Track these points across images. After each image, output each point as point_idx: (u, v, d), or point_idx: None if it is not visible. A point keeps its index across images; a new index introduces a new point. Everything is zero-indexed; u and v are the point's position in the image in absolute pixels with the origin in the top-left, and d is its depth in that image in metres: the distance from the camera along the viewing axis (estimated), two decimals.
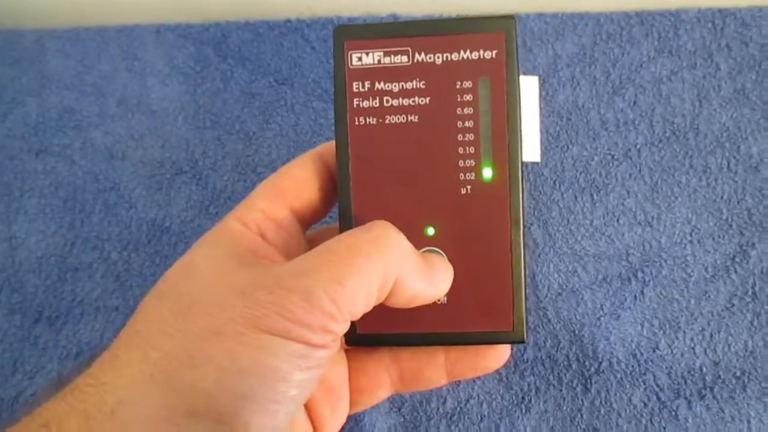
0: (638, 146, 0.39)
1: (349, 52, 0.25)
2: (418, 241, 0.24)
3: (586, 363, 0.35)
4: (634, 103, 0.39)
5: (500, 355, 0.26)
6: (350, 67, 0.25)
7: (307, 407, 0.26)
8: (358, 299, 0.20)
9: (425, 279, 0.23)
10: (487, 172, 0.24)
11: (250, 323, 0.19)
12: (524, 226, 0.24)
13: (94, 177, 0.41)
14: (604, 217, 0.37)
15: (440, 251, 0.25)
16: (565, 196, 0.38)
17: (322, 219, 0.27)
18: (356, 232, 0.22)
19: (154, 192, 0.40)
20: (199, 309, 0.20)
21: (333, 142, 0.26)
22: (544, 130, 0.39)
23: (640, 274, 0.36)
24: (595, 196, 0.38)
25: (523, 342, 0.25)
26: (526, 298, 0.25)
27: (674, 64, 0.40)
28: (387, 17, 0.43)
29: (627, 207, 0.37)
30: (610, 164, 0.38)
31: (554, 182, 0.38)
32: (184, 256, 0.23)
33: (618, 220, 0.37)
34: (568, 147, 0.39)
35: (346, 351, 0.27)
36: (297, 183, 0.25)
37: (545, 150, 0.39)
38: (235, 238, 0.23)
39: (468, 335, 0.25)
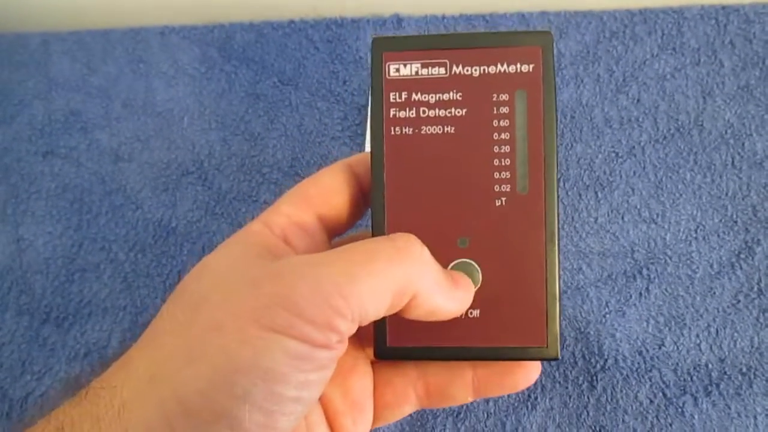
0: (642, 143, 0.39)
1: (387, 63, 0.25)
2: (452, 251, 0.24)
3: (592, 360, 0.35)
4: (638, 100, 0.40)
5: (529, 374, 0.25)
6: (388, 77, 0.25)
7: (329, 418, 0.25)
8: (368, 301, 0.20)
9: (447, 295, 0.22)
10: (522, 185, 0.24)
11: (252, 318, 0.19)
12: (559, 240, 0.24)
13: (100, 179, 0.41)
14: (608, 215, 0.37)
15: (473, 263, 0.24)
16: (569, 193, 0.38)
17: (349, 229, 0.27)
18: (379, 239, 0.21)
19: (160, 193, 0.40)
20: (207, 305, 0.20)
21: (363, 154, 0.26)
22: None
23: (645, 271, 0.36)
24: (599, 194, 0.38)
25: (556, 359, 0.24)
26: (560, 314, 0.24)
27: (678, 61, 0.40)
28: (391, 18, 0.43)
29: (631, 204, 0.38)
30: (615, 162, 0.38)
31: (558, 180, 0.38)
32: (202, 260, 0.23)
33: (623, 218, 0.37)
34: (572, 145, 0.39)
35: (372, 364, 0.27)
36: (326, 190, 0.25)
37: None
38: (254, 237, 0.23)
39: (500, 350, 0.24)
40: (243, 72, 0.43)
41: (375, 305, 0.20)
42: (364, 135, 0.41)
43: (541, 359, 0.25)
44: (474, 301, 0.24)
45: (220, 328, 0.19)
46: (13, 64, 0.44)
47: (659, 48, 0.40)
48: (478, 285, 0.24)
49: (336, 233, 0.26)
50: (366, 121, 0.40)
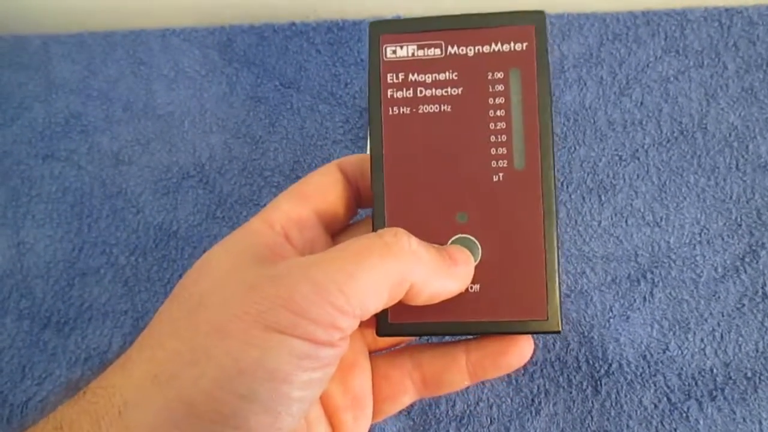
0: (646, 146, 0.38)
1: (384, 46, 0.25)
2: (451, 227, 0.24)
3: (596, 365, 0.35)
4: (641, 103, 0.39)
5: (522, 353, 0.25)
6: (385, 59, 0.25)
7: (329, 414, 0.25)
8: (368, 295, 0.20)
9: (445, 275, 0.22)
10: (519, 160, 0.24)
11: (255, 320, 0.19)
12: (557, 214, 0.24)
13: (101, 182, 0.41)
14: (612, 218, 0.37)
15: (473, 238, 0.24)
16: (572, 197, 0.38)
17: (344, 226, 0.27)
18: (368, 236, 0.22)
19: (160, 196, 0.40)
20: (207, 307, 0.20)
21: (353, 156, 0.26)
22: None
23: (649, 275, 0.36)
24: (602, 197, 0.38)
25: (558, 332, 0.24)
26: (560, 287, 0.24)
27: (681, 63, 0.40)
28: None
29: (635, 208, 0.37)
30: (618, 165, 0.38)
31: (562, 183, 0.38)
32: (201, 257, 0.23)
33: (626, 221, 0.37)
34: (575, 148, 0.39)
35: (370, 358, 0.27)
36: (321, 187, 0.25)
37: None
38: (254, 235, 0.23)
39: (501, 324, 0.24)
40: (244, 75, 0.42)
41: (374, 300, 0.21)
42: (366, 138, 0.40)
43: (543, 332, 0.25)
44: (474, 276, 0.24)
45: (223, 330, 0.20)
46: (13, 67, 0.44)
47: (662, 50, 0.40)
48: (478, 260, 0.24)
49: (333, 229, 0.26)
50: (368, 125, 0.40)
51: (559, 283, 0.24)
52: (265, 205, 0.39)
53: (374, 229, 0.25)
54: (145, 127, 0.42)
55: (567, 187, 0.38)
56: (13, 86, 0.43)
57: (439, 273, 0.22)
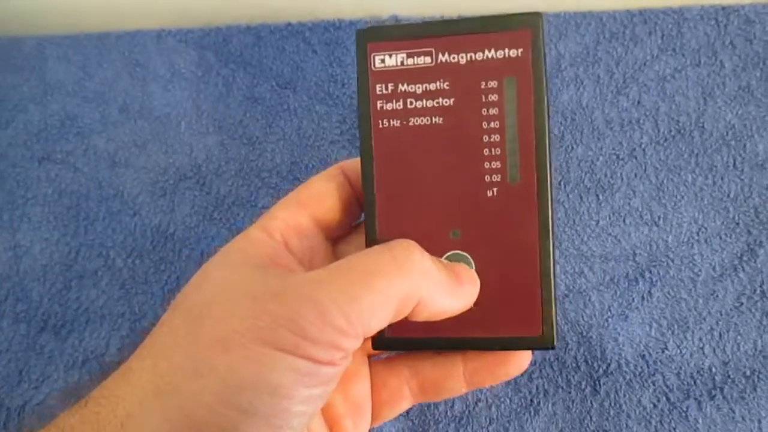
0: (643, 145, 0.38)
1: (372, 54, 0.24)
2: (444, 244, 0.24)
3: (595, 365, 0.34)
4: (639, 102, 0.39)
5: (520, 362, 0.25)
6: (373, 69, 0.24)
7: (329, 420, 0.25)
8: (372, 318, 0.20)
9: (451, 293, 0.22)
10: (514, 174, 0.24)
11: (257, 336, 0.19)
12: (553, 229, 0.24)
13: (97, 184, 0.40)
14: (610, 218, 0.37)
15: (466, 254, 0.24)
16: (570, 196, 0.38)
17: (345, 231, 0.27)
18: (377, 250, 0.21)
19: (157, 198, 0.40)
20: (209, 318, 0.20)
21: (355, 159, 0.25)
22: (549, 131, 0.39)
23: (647, 275, 0.36)
24: (600, 197, 0.38)
25: (552, 348, 0.24)
26: (556, 303, 0.24)
27: (678, 62, 0.40)
28: (389, 19, 0.43)
29: (633, 207, 0.37)
30: (615, 164, 0.38)
31: (559, 183, 0.38)
32: (202, 267, 0.23)
33: (624, 220, 0.37)
34: (572, 147, 0.39)
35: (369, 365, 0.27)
36: (319, 193, 0.25)
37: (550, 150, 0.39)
38: (253, 245, 0.23)
39: (497, 340, 0.24)
40: (240, 75, 0.42)
41: (378, 320, 0.20)
42: None
43: (537, 348, 0.24)
44: None
45: (225, 344, 0.19)
46: (7, 68, 0.44)
47: (659, 49, 0.40)
48: None
49: (333, 234, 0.26)
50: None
51: (555, 299, 0.24)
52: (262, 206, 0.39)
53: (367, 246, 0.24)
54: (141, 129, 0.42)
55: (565, 186, 0.38)
56: (7, 88, 0.43)
57: (445, 292, 0.22)
